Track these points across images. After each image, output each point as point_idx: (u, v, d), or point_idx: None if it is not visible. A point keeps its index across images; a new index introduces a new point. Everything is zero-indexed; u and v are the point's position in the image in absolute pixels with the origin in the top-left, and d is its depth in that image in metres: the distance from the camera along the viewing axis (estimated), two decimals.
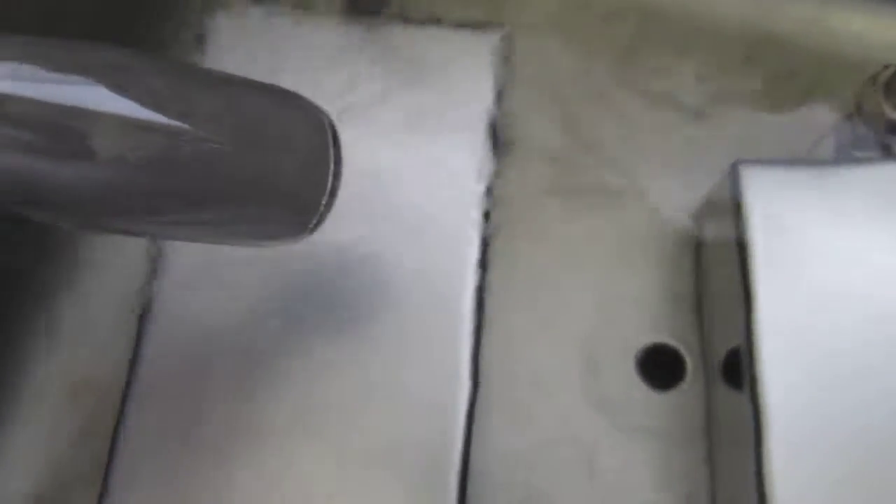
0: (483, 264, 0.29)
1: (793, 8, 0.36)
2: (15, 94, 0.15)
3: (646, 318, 0.33)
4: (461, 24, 0.30)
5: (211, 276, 0.29)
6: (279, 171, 0.21)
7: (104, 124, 0.16)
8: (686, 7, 0.36)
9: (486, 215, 0.29)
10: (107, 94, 0.16)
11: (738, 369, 0.28)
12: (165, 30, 0.38)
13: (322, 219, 0.24)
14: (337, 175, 0.23)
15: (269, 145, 0.20)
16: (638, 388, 0.32)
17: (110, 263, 0.34)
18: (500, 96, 0.30)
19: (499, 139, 0.31)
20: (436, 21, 0.30)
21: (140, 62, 0.17)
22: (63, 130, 0.15)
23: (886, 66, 0.29)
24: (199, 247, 0.28)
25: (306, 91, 0.31)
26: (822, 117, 0.33)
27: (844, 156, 0.31)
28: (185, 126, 0.17)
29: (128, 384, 0.28)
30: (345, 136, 0.29)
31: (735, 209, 0.28)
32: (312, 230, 0.24)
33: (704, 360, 0.32)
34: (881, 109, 0.29)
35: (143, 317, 0.28)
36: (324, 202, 0.23)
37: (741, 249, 0.27)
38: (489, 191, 0.29)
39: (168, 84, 0.17)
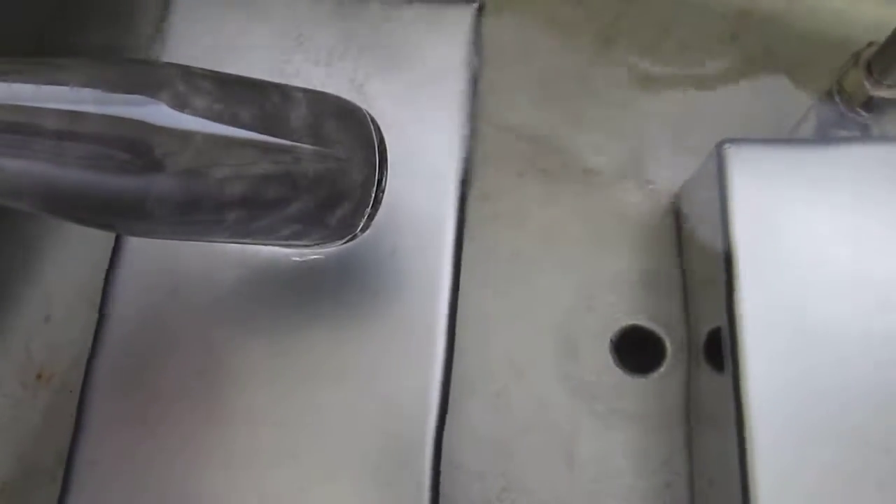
0: (459, 247, 0.28)
1: None
2: (89, 112, 0.16)
3: (626, 301, 0.32)
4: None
5: (171, 266, 0.28)
6: (333, 178, 0.22)
7: (167, 138, 0.17)
8: None
9: (463, 195, 0.28)
10: (167, 111, 0.17)
11: (719, 350, 0.27)
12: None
13: (367, 225, 0.25)
14: (381, 181, 0.24)
15: (325, 154, 0.21)
16: (616, 374, 0.32)
17: (70, 256, 0.33)
18: (476, 72, 0.29)
19: (477, 117, 0.30)
20: None
21: (195, 78, 0.18)
22: (131, 145, 0.16)
23: (870, 44, 0.29)
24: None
25: (277, 67, 0.29)
26: (805, 96, 0.33)
27: (826, 135, 0.31)
28: (245, 135, 0.19)
29: (86, 377, 0.27)
30: None
31: (719, 188, 0.27)
32: (356, 236, 0.25)
33: (686, 342, 0.32)
34: (863, 87, 0.29)
35: (103, 308, 0.27)
36: (370, 207, 0.24)
37: (724, 228, 0.27)
38: (467, 170, 0.28)
39: (224, 97, 0.19)
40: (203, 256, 0.28)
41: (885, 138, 0.30)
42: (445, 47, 0.29)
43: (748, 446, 0.25)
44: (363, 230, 0.25)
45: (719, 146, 0.28)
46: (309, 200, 0.21)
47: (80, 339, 0.30)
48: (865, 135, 0.30)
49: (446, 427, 0.27)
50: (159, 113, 0.17)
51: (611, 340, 0.32)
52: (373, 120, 0.24)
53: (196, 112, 0.18)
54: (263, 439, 0.26)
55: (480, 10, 0.30)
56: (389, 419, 0.27)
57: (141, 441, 0.26)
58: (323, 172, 0.21)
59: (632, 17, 0.35)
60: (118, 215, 0.18)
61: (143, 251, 0.28)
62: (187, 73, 0.18)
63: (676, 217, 0.33)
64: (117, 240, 0.28)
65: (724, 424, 0.26)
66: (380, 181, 0.24)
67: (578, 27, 0.35)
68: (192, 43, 0.29)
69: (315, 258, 0.28)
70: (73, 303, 0.32)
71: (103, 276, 0.27)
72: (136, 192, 0.17)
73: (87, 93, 0.16)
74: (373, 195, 0.24)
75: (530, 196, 0.33)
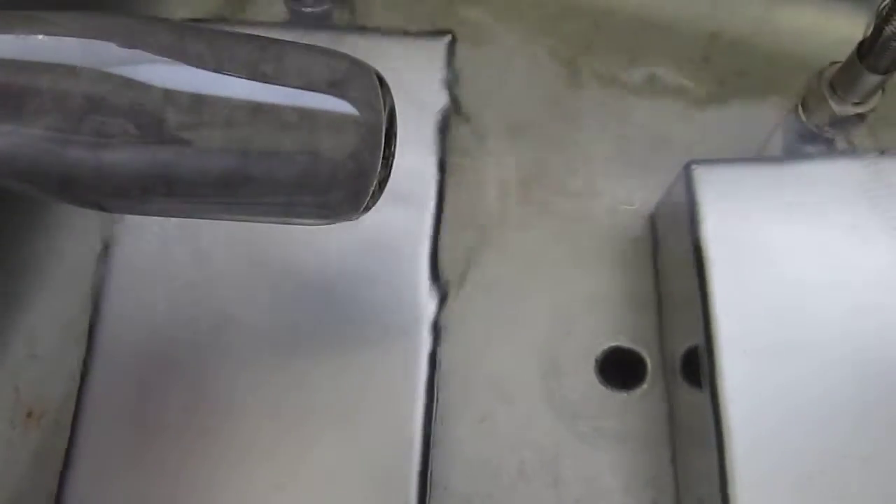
0: (438, 271, 0.28)
1: (742, 7, 0.36)
2: (82, 68, 0.15)
3: (605, 321, 0.32)
4: (407, 32, 0.30)
5: (158, 300, 0.28)
6: (334, 140, 0.20)
7: (177, 101, 0.16)
8: (637, 8, 0.37)
9: (440, 220, 0.29)
10: (165, 67, 0.16)
11: (697, 368, 0.28)
12: None
13: (378, 195, 0.22)
14: (389, 145, 0.21)
15: (324, 116, 0.20)
16: (599, 392, 0.32)
17: (53, 296, 0.34)
18: (450, 102, 0.30)
19: (452, 147, 0.31)
20: (381, 29, 0.30)
21: (193, 34, 0.17)
22: (141, 112, 0.16)
23: (832, 63, 0.30)
24: (142, 266, 0.28)
25: None
26: (773, 115, 0.33)
27: (794, 152, 0.31)
28: (243, 90, 0.17)
29: (76, 415, 0.27)
30: None
31: (689, 208, 0.28)
32: (367, 208, 0.22)
33: (664, 360, 0.32)
34: (827, 105, 0.29)
35: (90, 344, 0.28)
36: (378, 173, 0.21)
37: (696, 248, 0.27)
38: (443, 198, 0.29)
39: (221, 54, 0.17)
40: (190, 291, 0.28)
41: (850, 154, 0.30)
42: (419, 79, 0.30)
43: (728, 463, 0.25)
44: (373, 201, 0.22)
45: (687, 167, 0.28)
46: (312, 167, 0.20)
47: (68, 377, 0.30)
48: (831, 151, 0.30)
49: (434, 451, 0.27)
50: (156, 70, 0.16)
51: (593, 361, 0.32)
52: (382, 81, 0.22)
53: (194, 68, 0.17)
54: (252, 473, 0.27)
55: (453, 41, 0.31)
56: (374, 447, 0.27)
57: (132, 478, 0.27)
58: (326, 138, 0.20)
59: (604, 42, 0.36)
60: (110, 188, 0.17)
61: (130, 285, 0.28)
62: (187, 29, 0.17)
63: (652, 237, 0.34)
64: (103, 278, 0.28)
65: (705, 441, 0.26)
66: (388, 145, 0.21)
67: (550, 54, 0.36)
68: None
69: (296, 291, 0.28)
70: (59, 341, 0.33)
71: (87, 314, 0.28)
72: (128, 160, 0.16)
73: (78, 48, 0.15)
74: (378, 164, 0.21)
75: (509, 221, 0.34)
